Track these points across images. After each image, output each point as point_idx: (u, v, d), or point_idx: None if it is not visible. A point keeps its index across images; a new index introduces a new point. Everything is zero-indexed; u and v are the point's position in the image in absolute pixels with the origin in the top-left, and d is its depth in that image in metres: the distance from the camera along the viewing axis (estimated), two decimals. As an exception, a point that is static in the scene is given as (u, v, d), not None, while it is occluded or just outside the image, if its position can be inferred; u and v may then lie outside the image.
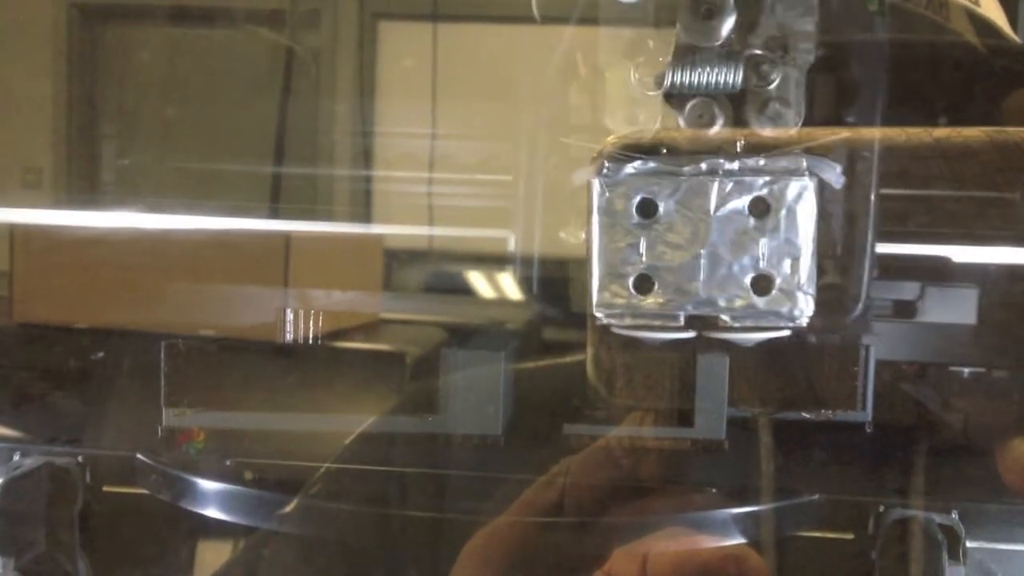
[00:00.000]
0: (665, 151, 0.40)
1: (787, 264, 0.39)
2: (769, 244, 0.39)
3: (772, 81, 0.40)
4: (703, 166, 0.39)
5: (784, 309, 0.39)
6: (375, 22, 1.11)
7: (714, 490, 0.50)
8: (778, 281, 0.39)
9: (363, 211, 1.01)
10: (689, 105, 0.40)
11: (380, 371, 0.63)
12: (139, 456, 0.56)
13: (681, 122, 0.40)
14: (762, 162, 0.39)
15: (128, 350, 0.69)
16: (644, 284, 0.40)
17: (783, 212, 0.39)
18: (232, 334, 0.59)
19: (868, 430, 0.45)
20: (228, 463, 0.55)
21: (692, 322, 0.40)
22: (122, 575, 0.58)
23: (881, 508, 0.49)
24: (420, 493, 0.54)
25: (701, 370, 0.44)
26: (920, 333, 0.51)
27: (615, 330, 0.40)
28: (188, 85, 1.04)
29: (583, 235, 0.41)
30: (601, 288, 0.40)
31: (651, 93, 0.41)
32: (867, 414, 0.44)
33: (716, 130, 0.40)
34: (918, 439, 0.51)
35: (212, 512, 0.54)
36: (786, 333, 0.40)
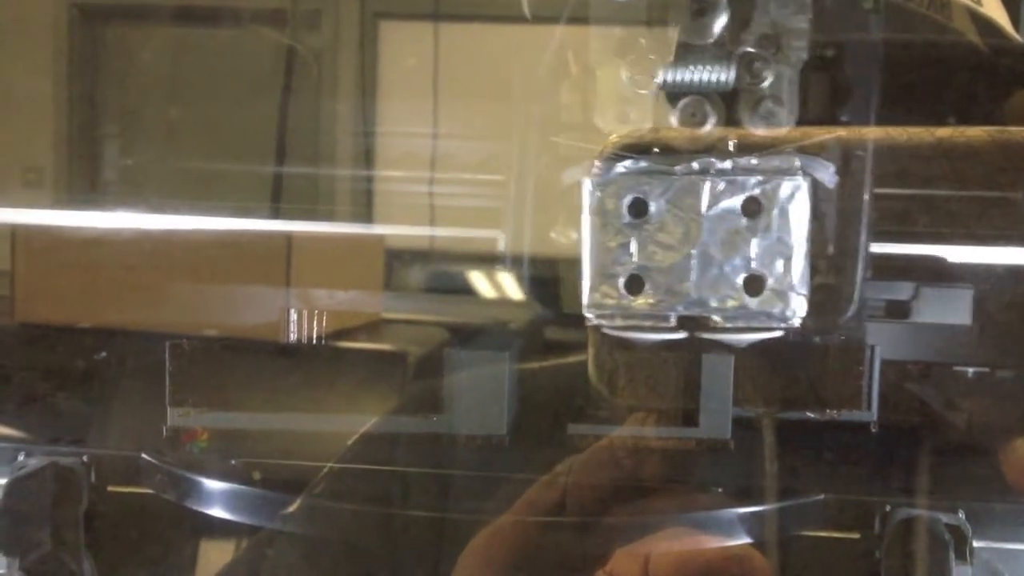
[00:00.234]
0: (657, 150, 0.39)
1: (779, 264, 0.39)
2: (761, 244, 0.39)
3: (765, 79, 0.39)
4: (695, 165, 0.39)
5: (776, 310, 0.39)
6: (376, 21, 1.11)
7: (719, 490, 0.49)
8: (770, 281, 0.39)
9: (364, 210, 1.01)
10: (681, 104, 0.40)
11: (382, 370, 0.63)
12: (144, 456, 0.56)
13: (673, 120, 0.40)
14: (755, 161, 0.39)
15: (130, 350, 0.69)
16: (635, 285, 0.39)
17: (775, 212, 0.38)
18: (234, 334, 0.59)
19: (873, 430, 0.45)
20: (233, 463, 0.55)
21: (683, 323, 0.39)
22: (127, 575, 0.58)
23: (887, 508, 0.49)
24: (424, 492, 0.54)
25: (706, 369, 0.44)
26: (916, 333, 0.51)
27: (605, 331, 0.40)
28: (189, 85, 1.04)
29: (574, 235, 0.41)
30: (592, 289, 0.39)
31: (642, 92, 0.40)
32: (872, 414, 0.44)
33: (718, 129, 0.40)
34: (922, 438, 0.51)
35: (217, 512, 0.54)
36: (779, 334, 0.40)
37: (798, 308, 0.39)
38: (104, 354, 0.71)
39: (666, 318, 0.39)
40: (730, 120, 0.40)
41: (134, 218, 0.80)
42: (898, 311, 0.50)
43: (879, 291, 0.49)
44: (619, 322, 0.40)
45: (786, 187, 0.39)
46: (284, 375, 0.54)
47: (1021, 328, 0.48)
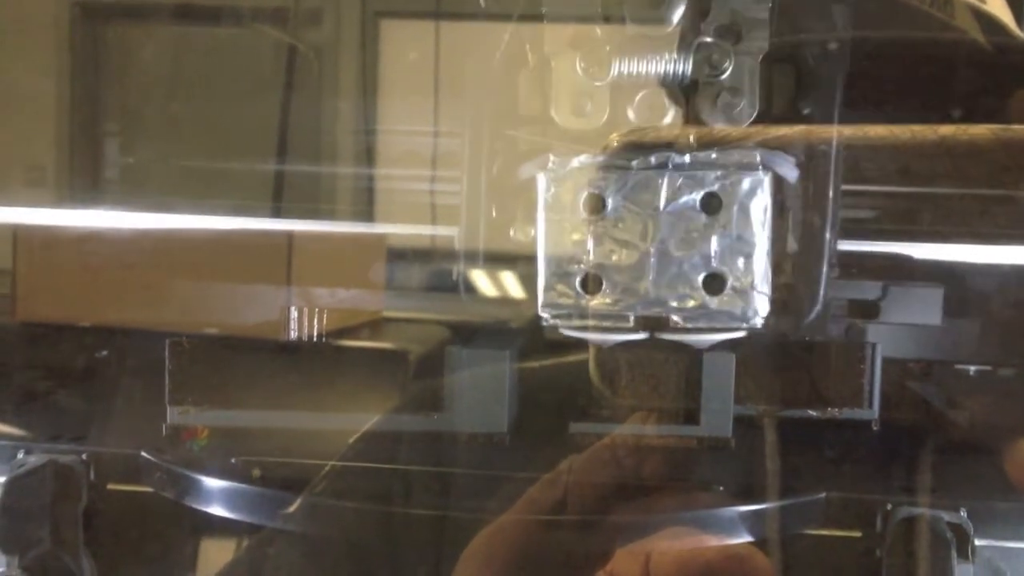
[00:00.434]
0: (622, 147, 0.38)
1: (740, 262, 0.38)
2: (721, 241, 0.38)
3: (724, 71, 0.38)
4: (652, 160, 0.38)
5: (737, 309, 0.38)
6: (377, 20, 1.10)
7: (720, 488, 0.49)
8: (730, 280, 0.38)
9: (365, 209, 1.01)
10: (639, 96, 0.39)
11: (383, 368, 0.62)
12: (143, 454, 0.56)
13: (630, 113, 0.39)
14: (714, 155, 0.38)
15: (131, 348, 0.69)
16: (592, 283, 0.38)
17: (735, 208, 0.37)
18: (235, 332, 0.59)
19: (874, 428, 0.44)
20: (233, 461, 0.55)
21: (642, 323, 0.39)
22: (126, 573, 0.58)
23: (889, 506, 0.49)
24: (425, 491, 0.54)
25: (707, 368, 0.43)
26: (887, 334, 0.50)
27: (562, 331, 0.39)
28: (190, 83, 1.04)
29: (532, 232, 0.40)
30: (547, 287, 0.38)
31: (598, 83, 0.39)
32: (874, 412, 0.44)
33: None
34: (921, 438, 0.51)
35: (216, 510, 0.54)
36: (741, 334, 0.39)
37: (760, 308, 0.38)
38: (105, 352, 0.71)
39: (624, 318, 0.38)
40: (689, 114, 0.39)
41: (136, 216, 0.80)
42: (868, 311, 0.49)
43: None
44: (576, 322, 0.39)
45: (746, 182, 0.38)
46: (284, 373, 0.54)
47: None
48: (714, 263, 0.38)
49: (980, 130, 0.42)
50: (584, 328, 0.39)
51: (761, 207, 0.38)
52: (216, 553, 0.59)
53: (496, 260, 0.45)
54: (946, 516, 0.48)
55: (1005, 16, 0.58)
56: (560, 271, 0.39)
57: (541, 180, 0.39)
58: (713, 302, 0.38)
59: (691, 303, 0.38)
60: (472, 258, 0.44)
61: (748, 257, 0.38)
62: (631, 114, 0.39)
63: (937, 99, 0.50)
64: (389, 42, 1.08)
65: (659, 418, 0.46)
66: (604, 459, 0.47)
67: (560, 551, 0.47)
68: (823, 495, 0.50)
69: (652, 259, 0.38)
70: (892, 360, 0.46)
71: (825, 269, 0.42)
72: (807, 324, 0.42)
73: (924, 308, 0.49)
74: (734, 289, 0.38)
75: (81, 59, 1.09)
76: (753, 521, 0.48)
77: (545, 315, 0.39)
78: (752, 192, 0.38)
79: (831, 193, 0.41)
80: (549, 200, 0.38)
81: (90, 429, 0.63)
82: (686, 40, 0.38)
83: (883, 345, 0.44)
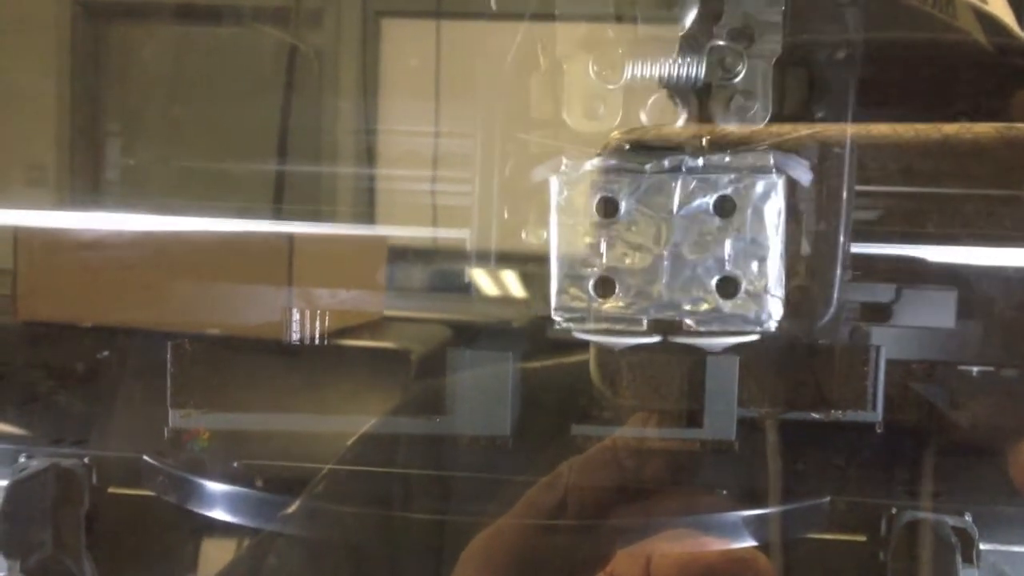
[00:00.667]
0: (629, 147, 0.38)
1: (754, 265, 0.38)
2: (735, 245, 0.38)
3: (737, 74, 0.38)
4: (665, 163, 0.38)
5: (751, 313, 0.38)
6: (378, 19, 1.10)
7: (724, 492, 0.49)
8: (744, 283, 0.38)
9: (366, 210, 1.01)
10: (652, 99, 0.39)
11: (385, 369, 0.62)
12: (145, 458, 0.56)
13: (643, 116, 0.39)
14: (727, 159, 0.38)
15: (132, 349, 0.69)
16: (605, 286, 0.38)
17: (749, 211, 0.37)
18: (236, 333, 0.59)
19: (878, 431, 0.44)
20: (235, 464, 0.54)
21: (656, 326, 0.38)
22: (128, 577, 0.58)
23: (893, 510, 0.49)
24: (425, 493, 0.54)
25: (711, 370, 0.43)
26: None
27: (575, 335, 0.39)
28: (192, 83, 1.04)
29: (544, 235, 0.39)
30: (560, 291, 0.38)
31: (610, 87, 0.39)
32: (877, 414, 0.44)
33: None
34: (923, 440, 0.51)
35: (217, 514, 0.54)
36: (754, 338, 0.39)
37: (774, 311, 0.38)
38: (106, 353, 0.71)
39: (638, 321, 0.38)
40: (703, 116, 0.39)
41: (137, 217, 0.80)
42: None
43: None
44: (589, 325, 0.39)
45: (760, 185, 0.37)
46: (286, 374, 0.54)
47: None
48: (728, 266, 0.38)
49: (984, 128, 0.42)
50: (597, 331, 0.39)
51: (775, 210, 0.38)
52: (218, 557, 0.59)
53: (507, 261, 0.45)
54: (951, 520, 0.48)
55: (1007, 17, 0.57)
56: (573, 274, 0.38)
57: (554, 183, 0.38)
58: (727, 306, 0.38)
59: (704, 306, 0.38)
60: (483, 259, 0.44)
61: (762, 260, 0.38)
62: (643, 117, 0.39)
63: (940, 100, 0.50)
64: (390, 42, 1.08)
65: (661, 420, 0.45)
66: (604, 461, 0.47)
67: (559, 553, 0.47)
68: (827, 499, 0.50)
69: (665, 262, 0.38)
70: (897, 362, 0.46)
71: (839, 272, 0.42)
72: (820, 327, 0.42)
73: (937, 311, 0.49)
74: (748, 292, 0.38)
75: (82, 59, 1.09)
76: (756, 525, 0.47)
77: (558, 318, 0.39)
78: (766, 195, 0.38)
79: (844, 195, 0.41)
80: (562, 203, 0.38)
81: (92, 431, 0.63)
82: (697, 43, 0.38)
83: (888, 347, 0.44)
